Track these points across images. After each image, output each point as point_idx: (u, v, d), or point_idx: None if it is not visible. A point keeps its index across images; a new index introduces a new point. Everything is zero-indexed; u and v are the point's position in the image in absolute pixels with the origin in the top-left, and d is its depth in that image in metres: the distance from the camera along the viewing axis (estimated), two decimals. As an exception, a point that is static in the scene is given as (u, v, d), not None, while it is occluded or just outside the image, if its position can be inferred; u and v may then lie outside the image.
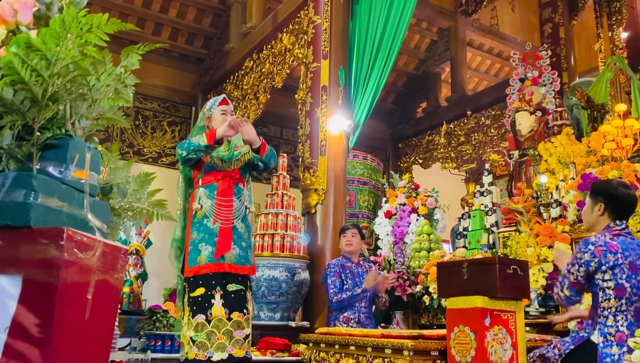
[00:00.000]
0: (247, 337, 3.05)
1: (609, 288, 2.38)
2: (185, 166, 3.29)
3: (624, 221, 2.55)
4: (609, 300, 2.38)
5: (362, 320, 3.85)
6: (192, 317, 3.01)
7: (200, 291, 3.03)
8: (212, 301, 3.01)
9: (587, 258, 2.41)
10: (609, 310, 2.39)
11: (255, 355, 3.78)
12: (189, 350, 2.99)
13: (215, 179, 3.16)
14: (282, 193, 5.01)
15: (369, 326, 3.83)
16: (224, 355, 2.95)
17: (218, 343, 2.96)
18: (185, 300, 3.09)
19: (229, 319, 3.01)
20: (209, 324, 2.99)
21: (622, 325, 2.35)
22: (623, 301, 2.37)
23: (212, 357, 2.94)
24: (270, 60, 6.44)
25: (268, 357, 3.78)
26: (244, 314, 3.06)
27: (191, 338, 2.99)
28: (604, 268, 2.38)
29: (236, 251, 3.09)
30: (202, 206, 3.12)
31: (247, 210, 3.22)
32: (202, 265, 3.05)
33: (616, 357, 2.30)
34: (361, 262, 4.18)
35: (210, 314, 2.99)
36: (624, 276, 2.37)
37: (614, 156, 4.20)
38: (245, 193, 3.24)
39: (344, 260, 4.07)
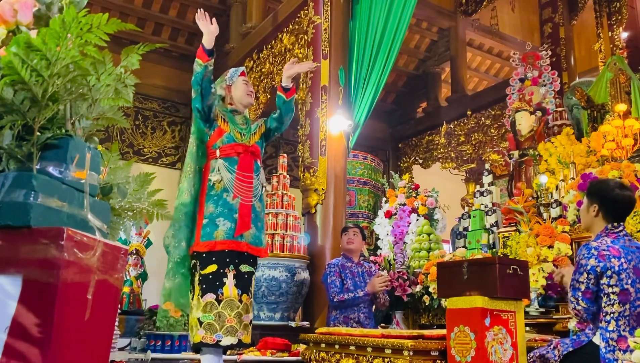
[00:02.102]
0: (251, 322, 2.86)
1: (614, 293, 2.33)
2: (200, 124, 3.02)
3: (622, 223, 2.51)
4: (612, 305, 2.34)
5: (362, 320, 3.84)
6: (202, 297, 2.74)
7: (212, 268, 2.77)
8: (224, 280, 2.76)
9: (593, 263, 2.36)
10: (611, 314, 2.35)
11: (255, 355, 3.78)
12: (196, 333, 2.70)
13: (235, 153, 2.97)
14: (282, 193, 5.00)
15: (369, 326, 3.82)
16: (234, 340, 2.70)
17: (228, 326, 2.70)
18: (196, 278, 2.81)
19: (240, 301, 2.77)
20: (219, 304, 2.72)
21: (624, 330, 2.32)
22: (627, 306, 2.33)
23: (220, 340, 2.67)
24: (270, 60, 6.43)
25: (268, 357, 3.78)
26: (250, 298, 2.86)
27: (198, 319, 2.71)
28: (609, 272, 2.33)
29: (253, 231, 2.91)
30: (222, 179, 2.90)
31: (264, 189, 3.07)
32: (219, 240, 2.81)
33: (619, 362, 2.27)
34: (361, 262, 4.18)
35: (222, 293, 2.73)
36: (629, 281, 2.33)
37: (614, 156, 4.20)
38: (262, 170, 3.09)
39: (344, 259, 4.06)
